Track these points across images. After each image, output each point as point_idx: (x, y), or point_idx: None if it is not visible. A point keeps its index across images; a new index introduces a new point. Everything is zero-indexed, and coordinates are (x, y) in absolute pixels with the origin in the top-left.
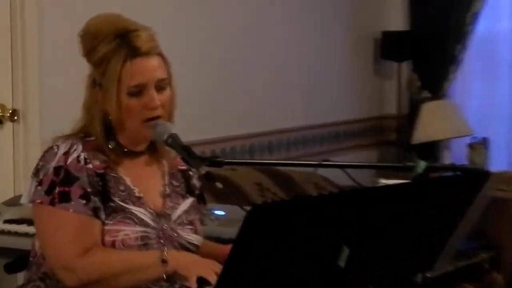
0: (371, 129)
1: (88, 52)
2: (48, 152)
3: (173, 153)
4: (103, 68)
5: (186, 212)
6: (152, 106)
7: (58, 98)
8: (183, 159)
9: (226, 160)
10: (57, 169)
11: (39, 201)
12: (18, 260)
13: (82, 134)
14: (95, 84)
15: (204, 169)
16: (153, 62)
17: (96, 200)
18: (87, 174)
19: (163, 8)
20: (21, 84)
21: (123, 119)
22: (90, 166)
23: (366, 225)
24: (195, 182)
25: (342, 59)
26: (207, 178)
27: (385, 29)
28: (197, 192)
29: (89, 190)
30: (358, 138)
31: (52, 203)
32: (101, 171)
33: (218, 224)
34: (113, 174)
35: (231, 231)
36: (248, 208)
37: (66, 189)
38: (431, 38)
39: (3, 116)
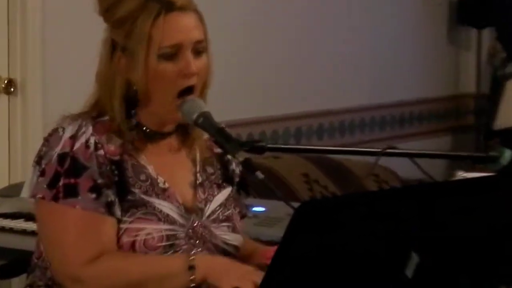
0: (445, 111)
1: (107, 9)
2: (52, 136)
3: (206, 134)
4: (128, 27)
5: (223, 205)
6: (188, 72)
7: (65, 64)
8: (216, 142)
9: (269, 146)
10: (61, 157)
11: (41, 195)
12: (14, 263)
13: (94, 113)
14: (116, 48)
15: (242, 156)
16: (190, 19)
17: (109, 193)
18: (98, 162)
19: None
20: (19, 48)
21: (152, 89)
22: (101, 152)
23: (439, 228)
24: (235, 167)
25: (409, 26)
26: (246, 167)
27: None
28: (237, 179)
29: (100, 181)
30: (428, 121)
31: (55, 199)
32: (117, 157)
33: (256, 223)
34: (132, 161)
35: (272, 232)
36: (294, 204)
37: (73, 181)
38: None
39: None
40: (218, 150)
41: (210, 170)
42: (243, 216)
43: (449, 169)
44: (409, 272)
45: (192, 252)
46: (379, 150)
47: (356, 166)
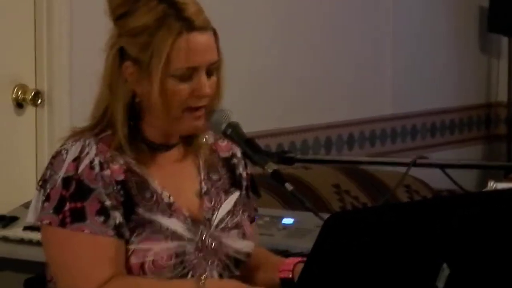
0: (476, 120)
1: (121, 16)
2: (56, 158)
3: (210, 139)
4: (145, 40)
5: (231, 212)
6: (201, 94)
7: (92, 76)
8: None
9: (298, 157)
10: (66, 180)
11: (47, 221)
12: (42, 276)
13: (96, 129)
14: (124, 56)
15: (271, 167)
16: (209, 40)
17: (117, 215)
18: (104, 183)
19: None
20: (46, 59)
21: (160, 104)
22: (107, 172)
23: (470, 240)
24: (242, 171)
25: (439, 33)
26: (275, 178)
27: None
28: (245, 183)
29: (107, 203)
30: (460, 131)
31: (62, 224)
32: (121, 177)
33: (286, 235)
34: (136, 178)
35: (302, 243)
36: (324, 216)
37: (79, 205)
38: None
39: (23, 99)
40: (224, 154)
41: (215, 176)
42: (252, 220)
43: (481, 179)
44: (440, 283)
45: (205, 267)
46: (409, 160)
47: (387, 176)
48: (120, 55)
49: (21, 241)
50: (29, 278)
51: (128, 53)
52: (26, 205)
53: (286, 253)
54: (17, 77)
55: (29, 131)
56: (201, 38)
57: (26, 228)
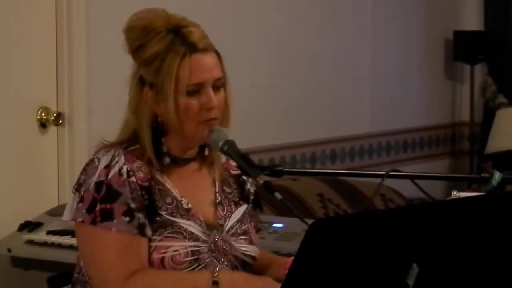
0: (442, 138)
1: (137, 49)
2: (89, 166)
3: (223, 157)
4: (156, 65)
5: (240, 221)
6: (210, 107)
7: (107, 99)
8: (240, 167)
9: (286, 169)
10: (98, 185)
11: (81, 219)
12: (63, 274)
13: (125, 144)
14: (143, 83)
15: (262, 179)
16: (211, 59)
17: (141, 216)
18: (130, 188)
19: (212, 9)
20: (67, 84)
21: (180, 120)
22: (133, 179)
23: (437, 242)
24: (250, 187)
25: (410, 61)
26: (266, 189)
27: (457, 28)
28: (251, 197)
29: (132, 206)
30: (428, 147)
31: (93, 222)
32: (146, 183)
33: (276, 238)
34: (159, 186)
35: (290, 245)
36: (309, 221)
37: (108, 206)
38: (508, 38)
39: (47, 119)
40: (235, 171)
41: (227, 189)
42: (258, 230)
43: (446, 189)
44: (410, 281)
45: (216, 266)
46: (384, 172)
47: (365, 186)
48: (140, 83)
49: (45, 244)
50: (51, 276)
51: (146, 79)
52: (49, 213)
53: (276, 254)
54: (41, 101)
55: (52, 148)
56: (202, 58)
57: (49, 232)
